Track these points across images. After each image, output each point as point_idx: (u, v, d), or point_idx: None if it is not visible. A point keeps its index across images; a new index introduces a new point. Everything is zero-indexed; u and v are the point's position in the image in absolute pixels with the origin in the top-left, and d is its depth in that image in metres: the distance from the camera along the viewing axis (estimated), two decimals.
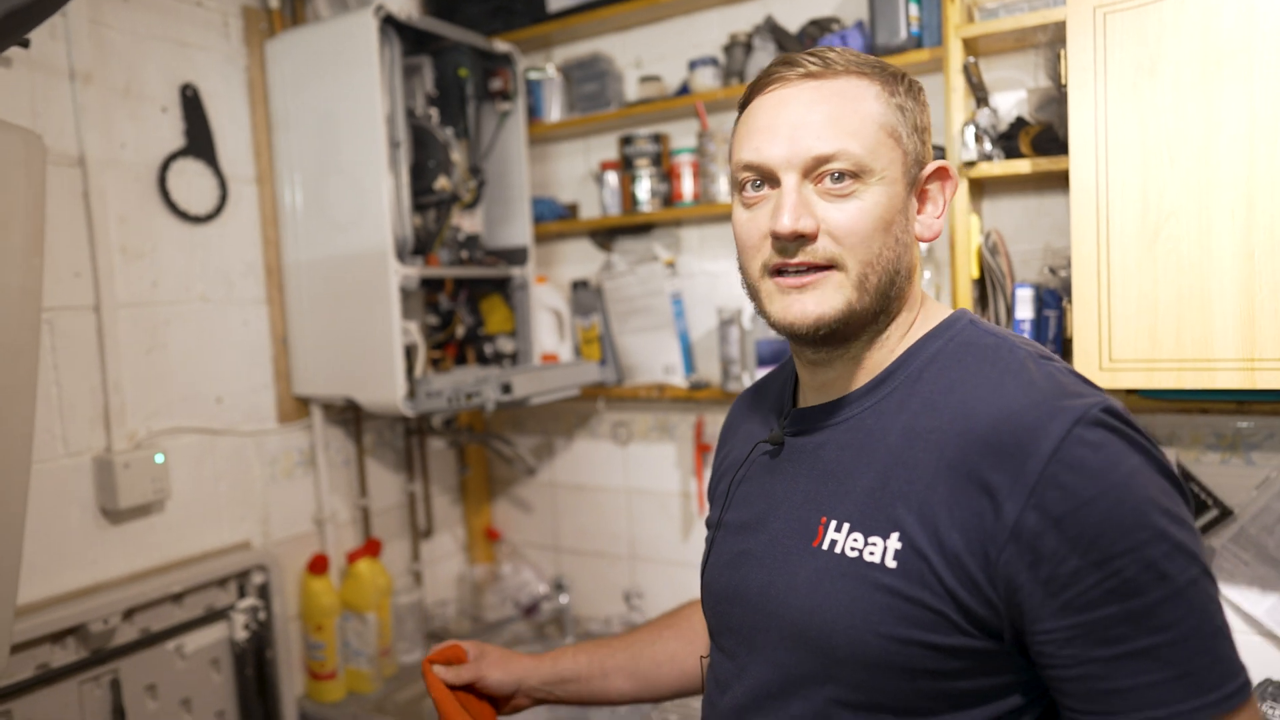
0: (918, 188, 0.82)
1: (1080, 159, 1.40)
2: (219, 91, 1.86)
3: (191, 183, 1.80)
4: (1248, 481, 1.58)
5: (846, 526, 0.76)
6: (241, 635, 1.78)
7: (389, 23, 1.83)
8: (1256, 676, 1.57)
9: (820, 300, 0.77)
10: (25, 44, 1.49)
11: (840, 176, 0.76)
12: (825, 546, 0.77)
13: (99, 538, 1.63)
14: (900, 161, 0.79)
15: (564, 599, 2.31)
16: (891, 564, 0.72)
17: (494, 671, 1.06)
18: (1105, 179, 1.39)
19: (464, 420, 2.38)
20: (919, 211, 0.83)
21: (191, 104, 1.79)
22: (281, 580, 1.88)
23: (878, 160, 0.77)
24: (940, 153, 1.68)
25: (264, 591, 1.83)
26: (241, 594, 1.82)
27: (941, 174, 0.83)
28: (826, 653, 0.75)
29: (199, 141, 1.81)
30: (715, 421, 2.14)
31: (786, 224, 0.76)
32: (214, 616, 1.76)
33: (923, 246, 0.87)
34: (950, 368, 0.77)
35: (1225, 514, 1.59)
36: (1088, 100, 1.39)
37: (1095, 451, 0.66)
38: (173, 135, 1.77)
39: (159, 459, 1.67)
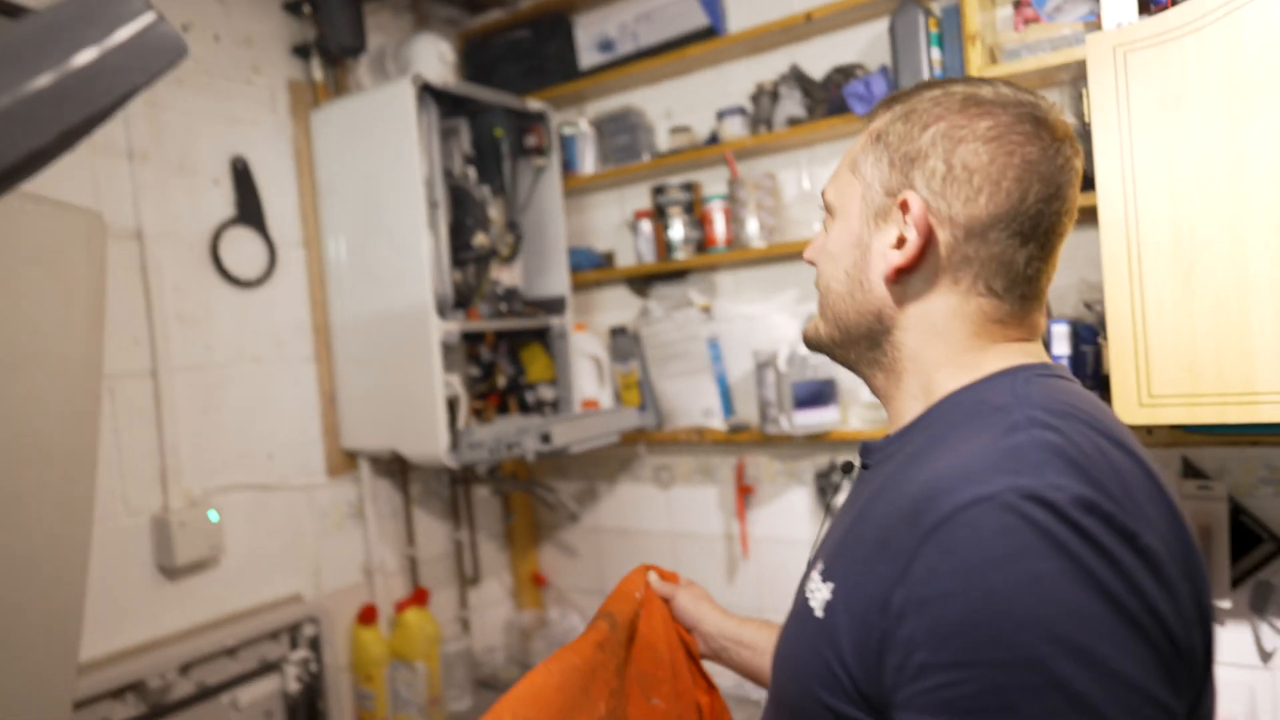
0: (890, 218, 0.74)
1: (1108, 195, 1.40)
2: (267, 162, 1.95)
3: (242, 249, 1.89)
4: None
5: (820, 568, 0.75)
6: (294, 687, 1.82)
7: (426, 90, 1.90)
8: None
9: (811, 319, 0.85)
10: None
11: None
12: (806, 587, 0.76)
13: (157, 594, 1.69)
14: (857, 195, 0.77)
15: None
16: (820, 614, 0.69)
17: (684, 598, 1.11)
18: (1135, 214, 1.38)
19: (508, 468, 2.42)
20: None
21: (241, 175, 1.89)
22: (332, 631, 1.92)
23: (839, 197, 0.80)
24: None
25: (315, 643, 1.87)
26: (294, 646, 1.86)
27: (902, 206, 0.73)
28: (780, 697, 0.75)
29: (249, 210, 1.90)
30: (755, 464, 2.14)
31: (804, 254, 0.86)
32: (267, 669, 1.80)
33: (939, 305, 0.74)
34: (953, 423, 0.70)
35: None
36: (1112, 137, 1.39)
37: (982, 540, 0.56)
38: (224, 205, 1.86)
39: (213, 516, 1.73)
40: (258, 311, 1.91)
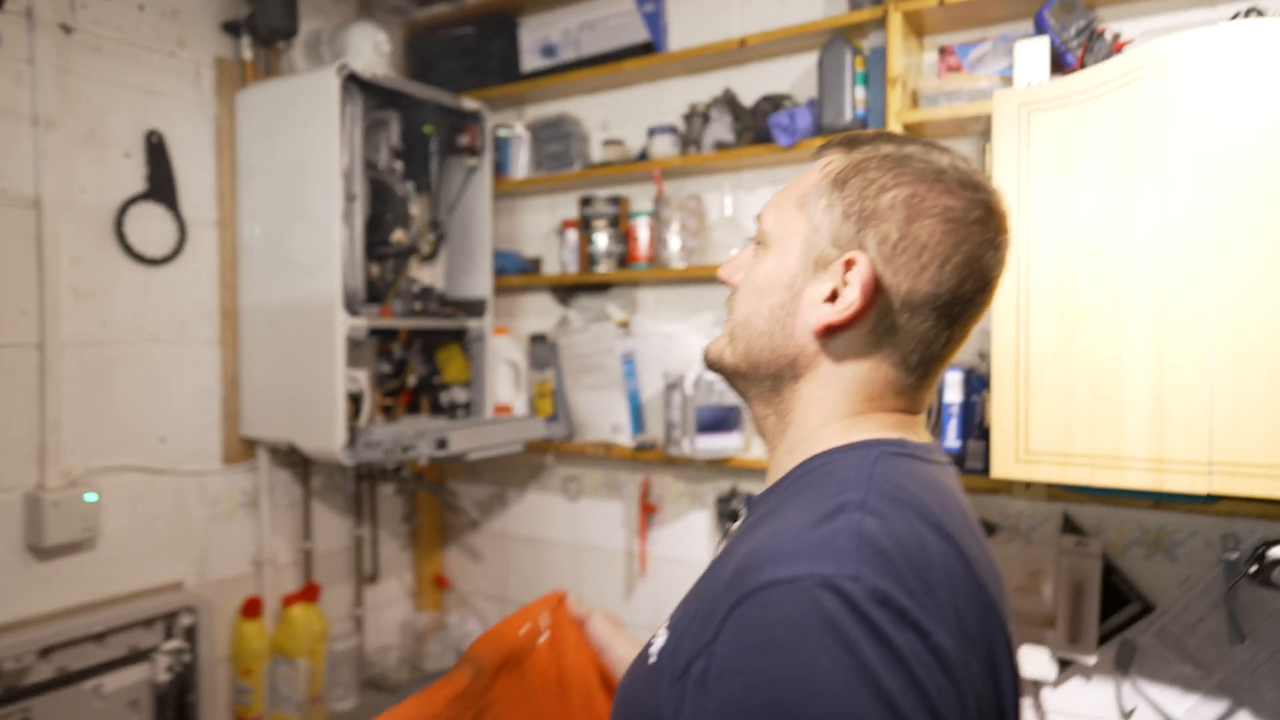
0: (830, 269, 0.72)
1: None
2: (186, 138, 1.91)
3: (150, 225, 1.84)
4: (1172, 578, 1.56)
5: (670, 613, 0.74)
6: (164, 677, 1.78)
7: (352, 80, 1.87)
8: None
9: (719, 338, 0.82)
10: None
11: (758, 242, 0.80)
12: (656, 630, 0.75)
13: (24, 574, 1.64)
14: (801, 235, 0.74)
15: None
16: (653, 660, 0.68)
17: (597, 622, 1.04)
18: (1027, 273, 1.40)
19: (417, 467, 2.39)
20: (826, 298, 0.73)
21: (156, 150, 1.84)
22: (212, 622, 1.88)
23: (779, 230, 0.77)
24: None
25: (191, 633, 1.83)
26: (169, 635, 1.82)
27: (847, 263, 0.71)
28: None
29: (160, 186, 1.85)
30: (660, 482, 2.14)
31: (720, 271, 0.84)
32: (137, 657, 1.76)
33: (852, 368, 0.73)
34: (799, 490, 0.70)
35: (1147, 609, 1.57)
36: (1010, 193, 1.41)
37: (771, 623, 0.57)
38: (134, 180, 1.82)
39: (89, 498, 1.69)
40: (162, 290, 1.87)
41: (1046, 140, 1.39)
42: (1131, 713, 1.58)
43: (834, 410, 0.74)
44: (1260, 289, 1.22)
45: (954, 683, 0.58)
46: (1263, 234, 1.22)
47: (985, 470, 1.56)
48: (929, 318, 0.71)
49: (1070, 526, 1.64)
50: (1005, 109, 1.42)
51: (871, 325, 0.72)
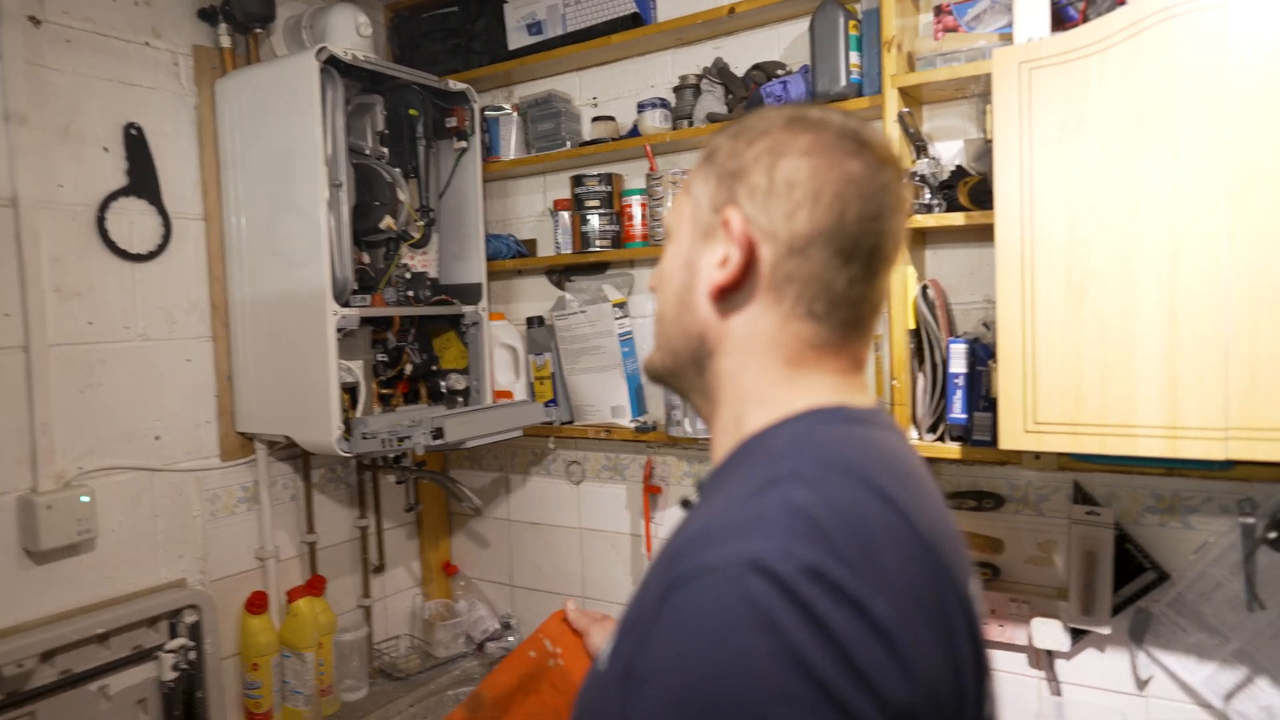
0: (716, 236, 0.72)
1: (1005, 216, 1.38)
2: (166, 130, 1.86)
3: (134, 221, 1.81)
4: (1186, 545, 1.53)
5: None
6: (170, 675, 1.76)
7: (333, 64, 1.83)
8: None
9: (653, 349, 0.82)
10: None
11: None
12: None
13: (22, 579, 1.62)
14: (689, 215, 0.76)
15: (512, 638, 2.29)
16: (602, 666, 0.66)
17: (597, 635, 1.07)
18: (1031, 237, 1.36)
19: (417, 456, 2.36)
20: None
21: (135, 143, 1.80)
22: (217, 619, 1.86)
23: (674, 218, 0.78)
24: None
25: (195, 631, 1.82)
26: (173, 633, 1.80)
27: (724, 224, 0.71)
28: None
29: (142, 180, 1.81)
30: (664, 463, 2.11)
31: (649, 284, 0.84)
32: (142, 657, 1.75)
33: (760, 327, 0.71)
34: (733, 469, 0.69)
35: (1162, 578, 1.54)
36: (1012, 155, 1.36)
37: (701, 614, 0.55)
38: (114, 174, 1.78)
39: (84, 499, 1.66)
40: (149, 286, 1.83)
41: (1049, 99, 1.34)
42: (1148, 681, 1.55)
43: (757, 380, 0.72)
44: (1278, 246, 1.18)
45: (896, 657, 0.55)
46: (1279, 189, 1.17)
47: (993, 442, 1.53)
48: (821, 258, 0.69)
49: (1081, 496, 1.61)
50: (1005, 68, 1.37)
51: (764, 279, 0.70)
